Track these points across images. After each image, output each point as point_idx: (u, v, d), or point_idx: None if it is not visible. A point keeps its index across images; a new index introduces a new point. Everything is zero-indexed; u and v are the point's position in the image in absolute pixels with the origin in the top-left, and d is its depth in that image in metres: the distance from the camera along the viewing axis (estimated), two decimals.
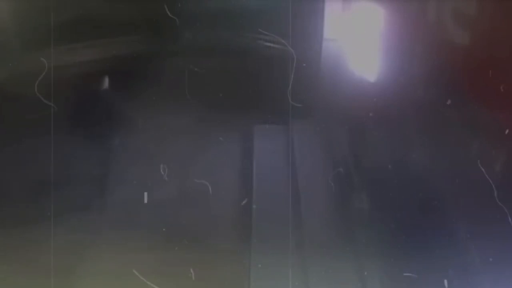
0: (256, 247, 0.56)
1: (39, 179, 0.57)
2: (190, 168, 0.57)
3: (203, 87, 0.56)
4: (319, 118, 0.56)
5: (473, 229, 0.56)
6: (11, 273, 0.57)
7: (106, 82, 0.56)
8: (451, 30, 0.56)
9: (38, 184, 0.57)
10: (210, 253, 0.57)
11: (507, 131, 0.55)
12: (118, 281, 0.57)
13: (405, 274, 0.56)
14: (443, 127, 0.56)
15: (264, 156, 0.57)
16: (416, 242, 0.56)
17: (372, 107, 0.55)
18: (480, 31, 0.56)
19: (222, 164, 0.57)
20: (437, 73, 0.55)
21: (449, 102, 0.55)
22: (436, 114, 0.56)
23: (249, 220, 0.56)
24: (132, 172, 0.57)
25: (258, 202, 0.56)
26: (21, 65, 0.56)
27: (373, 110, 0.55)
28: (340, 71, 0.56)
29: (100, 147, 0.57)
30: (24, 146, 0.57)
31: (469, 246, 0.56)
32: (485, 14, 0.55)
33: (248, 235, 0.57)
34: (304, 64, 0.54)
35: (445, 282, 0.56)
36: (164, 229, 0.57)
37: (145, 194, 0.56)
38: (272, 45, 0.55)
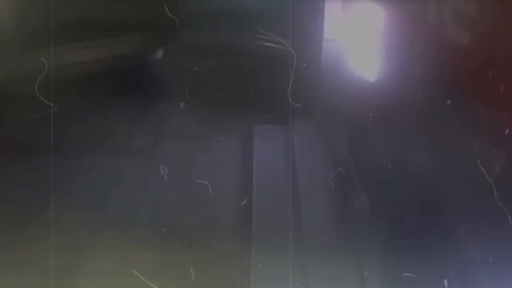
0: (256, 247, 0.56)
1: (39, 179, 0.57)
2: (190, 168, 0.57)
3: (203, 87, 0.56)
4: (319, 118, 0.56)
5: (473, 229, 0.56)
6: (11, 273, 0.57)
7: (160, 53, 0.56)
8: (451, 30, 0.56)
9: (38, 184, 0.57)
10: (210, 253, 0.57)
11: (507, 131, 0.55)
12: (118, 281, 0.57)
13: (405, 274, 0.56)
14: (443, 127, 0.56)
15: (264, 156, 0.57)
16: (416, 242, 0.56)
17: (372, 107, 0.55)
18: (480, 31, 0.56)
19: (222, 164, 0.57)
20: (437, 73, 0.55)
21: (449, 102, 0.55)
22: (436, 114, 0.55)
23: (249, 220, 0.56)
24: (132, 172, 0.57)
25: (258, 202, 0.56)
26: (21, 65, 0.56)
27: (373, 110, 0.55)
28: (340, 71, 0.56)
29: (100, 147, 0.57)
30: (24, 146, 0.57)
31: (469, 246, 0.56)
32: (485, 14, 0.55)
33: (248, 235, 0.57)
34: (304, 64, 0.54)
35: (445, 282, 0.56)
36: (164, 229, 0.57)
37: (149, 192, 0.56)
38: (272, 45, 0.55)
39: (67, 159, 0.56)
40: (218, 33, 0.56)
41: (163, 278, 0.57)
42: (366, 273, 0.56)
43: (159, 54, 0.56)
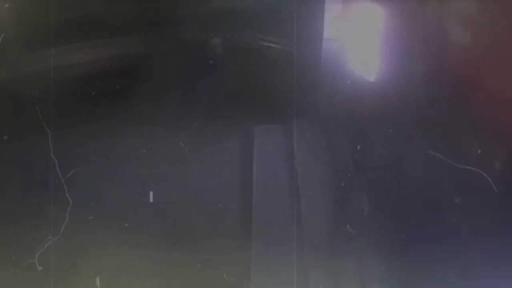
0: (256, 247, 0.56)
1: (39, 178, 0.57)
2: (190, 168, 0.57)
3: (203, 87, 0.56)
4: (320, 118, 0.56)
5: (473, 229, 0.56)
6: (12, 273, 0.57)
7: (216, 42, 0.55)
8: (451, 30, 0.56)
9: (38, 184, 0.57)
10: (210, 253, 0.57)
11: (507, 131, 0.55)
12: (118, 281, 0.57)
13: (404, 274, 0.56)
14: (442, 127, 0.56)
15: (265, 156, 0.57)
16: (416, 242, 0.56)
17: (372, 107, 0.55)
18: (480, 31, 0.56)
19: (222, 164, 0.57)
20: (437, 73, 0.55)
21: (448, 102, 0.55)
22: (436, 114, 0.56)
23: (249, 220, 0.56)
24: (133, 172, 0.57)
25: (258, 202, 0.56)
26: (21, 65, 0.56)
27: (373, 110, 0.55)
28: (341, 71, 0.56)
29: (100, 147, 0.57)
30: (24, 146, 0.57)
31: (469, 246, 0.56)
32: (485, 14, 0.56)
33: (248, 235, 0.57)
34: (305, 64, 0.54)
35: (444, 281, 0.56)
36: (164, 229, 0.57)
37: (151, 193, 0.56)
38: (273, 45, 0.55)
39: (67, 159, 0.56)
40: (218, 33, 0.56)
41: (163, 278, 0.57)
42: (366, 273, 0.57)
43: (159, 54, 0.57)
